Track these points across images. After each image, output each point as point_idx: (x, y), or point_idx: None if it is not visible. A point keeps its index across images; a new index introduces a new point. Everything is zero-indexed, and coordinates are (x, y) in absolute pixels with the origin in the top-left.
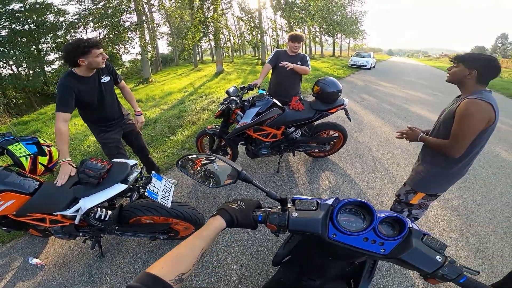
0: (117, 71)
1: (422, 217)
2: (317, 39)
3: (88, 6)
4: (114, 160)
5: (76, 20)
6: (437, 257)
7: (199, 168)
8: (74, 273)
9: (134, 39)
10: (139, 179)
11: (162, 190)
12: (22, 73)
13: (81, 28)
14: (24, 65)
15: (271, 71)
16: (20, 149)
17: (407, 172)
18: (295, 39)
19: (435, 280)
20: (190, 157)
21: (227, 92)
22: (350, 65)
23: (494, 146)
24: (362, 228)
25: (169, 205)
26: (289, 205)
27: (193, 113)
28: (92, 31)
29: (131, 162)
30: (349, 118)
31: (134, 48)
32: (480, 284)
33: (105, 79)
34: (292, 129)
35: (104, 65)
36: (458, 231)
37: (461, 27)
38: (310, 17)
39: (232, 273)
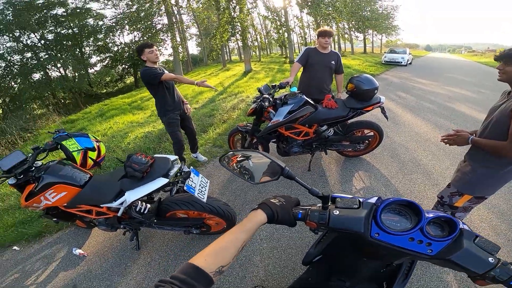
0: None
1: (466, 221)
2: (346, 35)
3: (123, 10)
4: (156, 155)
5: (113, 24)
6: (490, 259)
7: (234, 164)
8: (112, 264)
9: (166, 41)
10: (179, 174)
11: (199, 185)
12: (69, 75)
13: (118, 31)
14: (70, 68)
15: (301, 69)
16: (72, 144)
17: (450, 173)
18: (324, 34)
19: (485, 282)
20: (228, 154)
21: (259, 90)
22: (383, 62)
23: None
24: (408, 228)
25: (205, 200)
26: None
27: (224, 112)
28: (128, 33)
29: (171, 157)
30: (386, 117)
31: (166, 49)
32: None
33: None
34: (325, 127)
35: (159, 59)
36: (505, 236)
37: (505, 19)
38: (338, 14)
39: (259, 269)
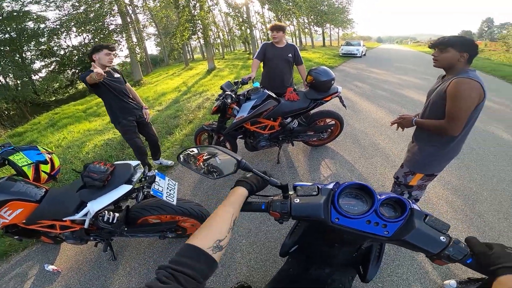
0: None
1: (424, 200)
2: (306, 30)
3: (68, 11)
4: (116, 162)
5: (57, 26)
6: (441, 238)
7: (201, 163)
8: (91, 277)
9: (121, 42)
10: (143, 179)
11: (167, 188)
12: (10, 83)
13: (64, 34)
14: (11, 75)
15: (262, 64)
16: (21, 159)
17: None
18: (272, 28)
19: (442, 261)
20: (191, 152)
21: (222, 88)
22: (341, 54)
23: (489, 125)
24: (364, 211)
25: (174, 203)
26: (291, 192)
27: (189, 112)
28: (76, 36)
29: (133, 162)
30: (344, 105)
31: (122, 51)
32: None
33: (116, 75)
34: (289, 119)
35: (111, 65)
36: (462, 212)
37: (445, 13)
38: (297, 9)
39: (242, 266)
